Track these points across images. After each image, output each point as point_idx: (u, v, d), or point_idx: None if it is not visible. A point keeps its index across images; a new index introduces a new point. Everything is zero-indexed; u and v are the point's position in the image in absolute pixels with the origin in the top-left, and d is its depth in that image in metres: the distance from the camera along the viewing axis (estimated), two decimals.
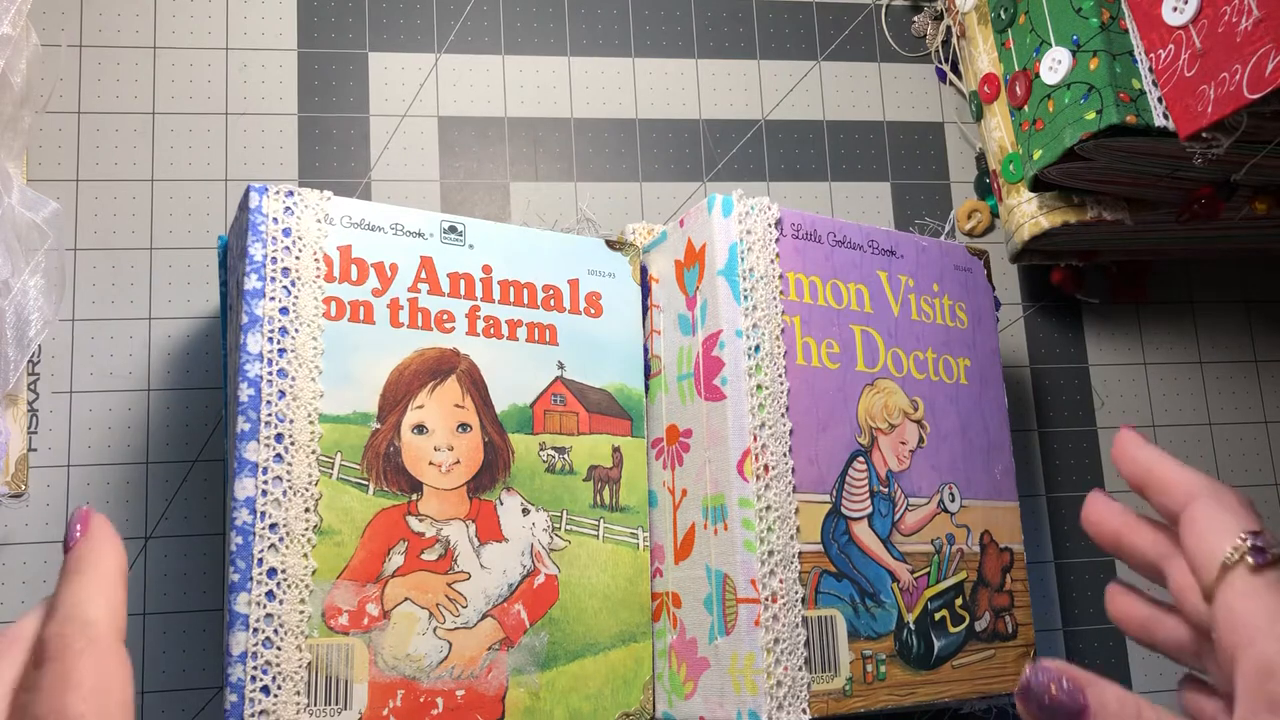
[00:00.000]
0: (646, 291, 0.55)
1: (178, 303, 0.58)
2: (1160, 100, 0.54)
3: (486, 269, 0.52)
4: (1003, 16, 0.62)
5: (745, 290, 0.50)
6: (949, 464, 0.54)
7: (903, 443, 0.53)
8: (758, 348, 0.49)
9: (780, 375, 0.50)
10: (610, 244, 0.55)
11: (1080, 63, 0.56)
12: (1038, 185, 0.60)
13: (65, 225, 0.57)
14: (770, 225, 0.52)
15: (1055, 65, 0.57)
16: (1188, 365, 0.69)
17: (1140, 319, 0.69)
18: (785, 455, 0.49)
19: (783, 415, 0.49)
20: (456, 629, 0.47)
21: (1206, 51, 0.50)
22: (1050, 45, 0.58)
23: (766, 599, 0.47)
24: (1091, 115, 0.55)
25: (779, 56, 0.68)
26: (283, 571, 0.44)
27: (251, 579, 0.43)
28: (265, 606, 0.43)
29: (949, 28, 0.68)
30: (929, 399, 0.55)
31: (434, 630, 0.47)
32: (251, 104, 0.61)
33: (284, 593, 0.44)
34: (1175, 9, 0.52)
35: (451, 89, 0.64)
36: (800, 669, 0.47)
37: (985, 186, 0.68)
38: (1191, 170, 0.57)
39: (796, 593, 0.48)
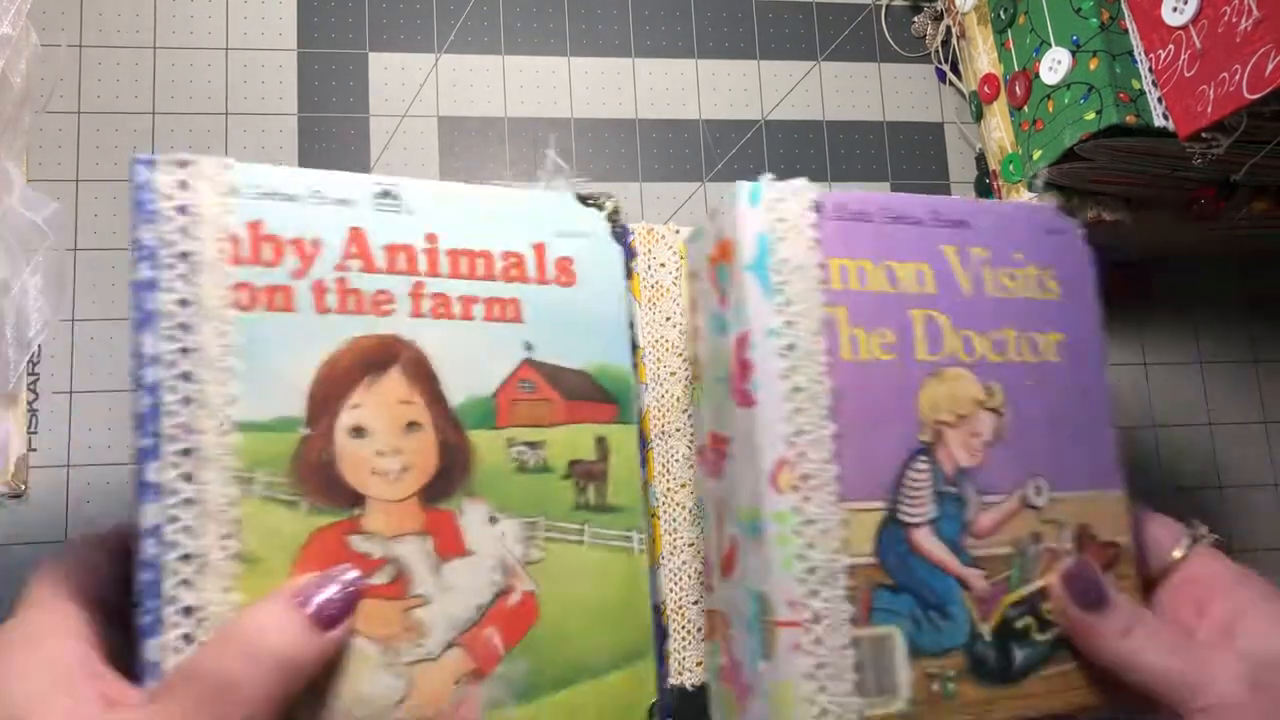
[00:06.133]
0: (630, 254, 0.49)
1: None
2: (1160, 100, 0.54)
3: (431, 238, 0.43)
4: (1003, 16, 0.62)
5: (777, 285, 0.45)
6: (1036, 455, 0.48)
7: (975, 435, 0.48)
8: (793, 346, 0.44)
9: (821, 374, 0.45)
10: (582, 199, 0.47)
11: (1080, 63, 0.56)
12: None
13: (65, 225, 0.57)
14: (807, 209, 0.46)
15: (1055, 65, 0.57)
16: (1188, 365, 0.69)
17: (1140, 319, 0.69)
18: (828, 462, 0.44)
19: (824, 418, 0.44)
20: (417, 662, 0.40)
21: (1206, 52, 0.50)
22: (1050, 45, 0.58)
23: (807, 621, 0.42)
24: (1091, 115, 0.55)
25: (779, 56, 0.68)
26: (200, 609, 0.37)
27: (163, 620, 0.37)
28: (183, 652, 0.37)
29: (949, 28, 0.68)
30: (1010, 383, 0.49)
31: (389, 665, 0.40)
32: (251, 104, 0.61)
33: (203, 634, 0.37)
34: (1175, 9, 0.52)
35: (451, 89, 0.64)
36: (850, 694, 0.42)
37: (985, 186, 0.68)
38: (1191, 170, 0.57)
39: (844, 612, 0.43)
